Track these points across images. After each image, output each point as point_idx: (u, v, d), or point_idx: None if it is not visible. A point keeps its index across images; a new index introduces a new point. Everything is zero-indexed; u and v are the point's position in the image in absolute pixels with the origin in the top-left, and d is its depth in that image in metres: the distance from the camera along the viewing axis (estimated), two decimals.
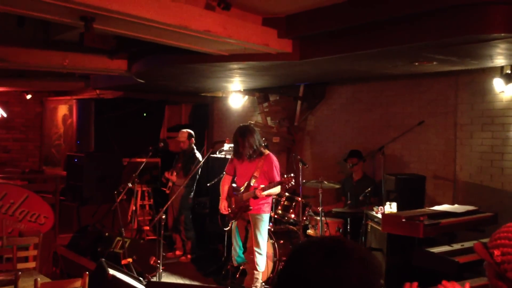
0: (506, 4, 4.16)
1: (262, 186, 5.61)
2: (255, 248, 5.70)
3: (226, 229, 6.29)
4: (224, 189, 6.06)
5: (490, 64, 5.89)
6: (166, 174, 7.87)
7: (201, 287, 5.44)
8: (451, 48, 4.87)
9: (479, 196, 6.44)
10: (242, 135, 5.77)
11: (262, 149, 5.83)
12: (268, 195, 5.77)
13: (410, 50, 5.01)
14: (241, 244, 6.11)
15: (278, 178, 5.70)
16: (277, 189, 5.74)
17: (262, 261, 5.77)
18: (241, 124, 6.03)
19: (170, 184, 7.02)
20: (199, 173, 7.86)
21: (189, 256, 7.88)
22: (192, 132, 8.06)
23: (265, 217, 5.79)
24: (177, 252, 7.97)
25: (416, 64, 5.78)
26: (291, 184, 5.55)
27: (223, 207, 5.97)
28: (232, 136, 5.95)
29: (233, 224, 6.01)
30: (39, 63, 7.03)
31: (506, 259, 1.90)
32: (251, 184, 5.71)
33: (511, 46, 4.70)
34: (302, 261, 1.33)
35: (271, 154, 5.86)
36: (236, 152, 5.89)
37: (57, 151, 11.42)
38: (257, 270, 5.73)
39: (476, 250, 2.05)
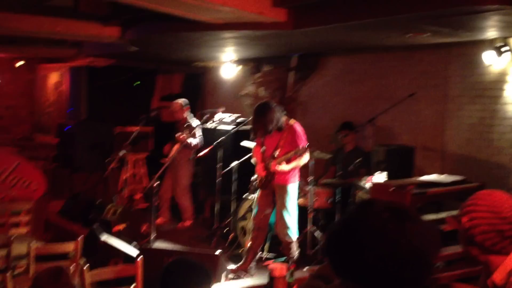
0: None
1: (278, 159, 5.56)
2: (286, 229, 5.58)
3: (253, 196, 6.18)
4: (258, 156, 5.90)
5: (483, 37, 5.92)
6: (171, 144, 7.80)
7: (191, 253, 5.52)
8: (444, 19, 4.89)
9: (467, 167, 6.53)
10: (261, 114, 5.54)
11: (285, 120, 5.70)
12: (294, 168, 5.65)
13: (404, 21, 5.02)
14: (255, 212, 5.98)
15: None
16: (300, 160, 5.65)
17: (294, 232, 5.68)
18: (259, 103, 5.77)
19: (171, 154, 6.93)
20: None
21: (185, 223, 7.91)
22: (185, 101, 7.97)
23: (290, 188, 5.66)
24: (159, 220, 7.88)
25: (410, 35, 5.79)
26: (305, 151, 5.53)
27: (259, 168, 5.81)
28: (252, 116, 5.68)
29: (257, 193, 5.91)
30: (31, 29, 6.95)
31: (472, 224, 1.97)
32: (275, 155, 5.68)
33: (504, 18, 4.74)
34: (368, 217, 1.37)
35: (296, 124, 5.74)
36: (258, 131, 5.69)
37: (49, 119, 11.39)
38: (292, 240, 5.64)
39: (448, 222, 2.14)
